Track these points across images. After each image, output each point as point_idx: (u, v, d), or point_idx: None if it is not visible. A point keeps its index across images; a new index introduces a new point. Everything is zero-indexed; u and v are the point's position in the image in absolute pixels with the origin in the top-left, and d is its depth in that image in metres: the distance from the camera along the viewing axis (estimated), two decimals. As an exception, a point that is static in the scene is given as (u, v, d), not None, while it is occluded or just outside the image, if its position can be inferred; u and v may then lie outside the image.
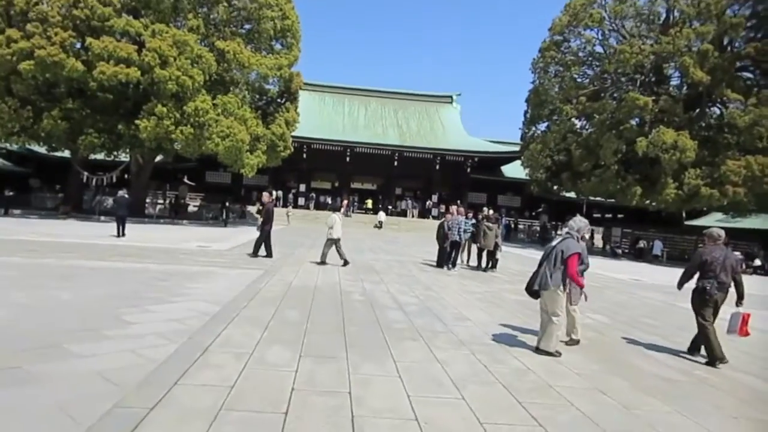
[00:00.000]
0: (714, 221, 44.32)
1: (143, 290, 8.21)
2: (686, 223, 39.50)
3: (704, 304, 6.69)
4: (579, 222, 6.63)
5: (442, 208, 47.60)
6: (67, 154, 33.14)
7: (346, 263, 13.62)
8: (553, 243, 6.42)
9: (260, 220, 15.18)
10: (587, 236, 6.71)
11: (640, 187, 30.53)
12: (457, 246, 15.41)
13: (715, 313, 6.77)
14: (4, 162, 44.37)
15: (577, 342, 6.79)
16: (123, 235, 18.88)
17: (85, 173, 31.19)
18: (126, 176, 35.08)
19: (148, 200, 41.72)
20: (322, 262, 13.73)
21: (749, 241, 34.53)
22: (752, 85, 31.15)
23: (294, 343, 5.64)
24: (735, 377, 6.06)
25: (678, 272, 7.47)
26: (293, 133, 35.39)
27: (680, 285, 7.17)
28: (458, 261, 15.79)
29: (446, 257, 15.40)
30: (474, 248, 17.09)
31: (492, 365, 5.46)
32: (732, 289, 6.76)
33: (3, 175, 39.96)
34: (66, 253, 12.34)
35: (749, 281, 8.94)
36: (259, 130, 29.68)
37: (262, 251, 14.43)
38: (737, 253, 19.36)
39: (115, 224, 19.19)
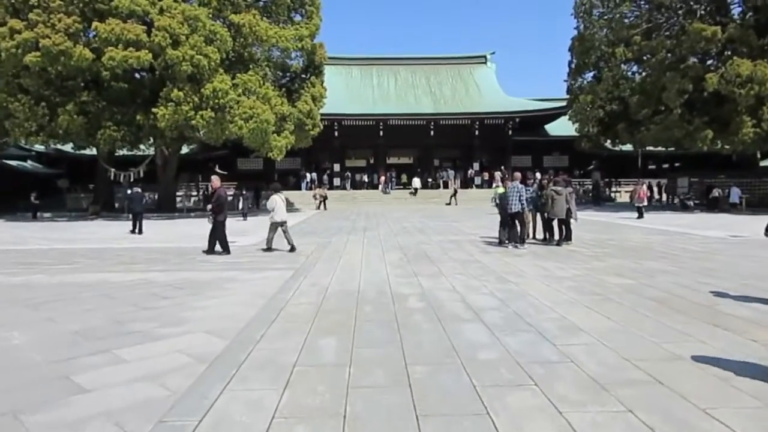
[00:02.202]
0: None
1: (131, 318, 6.13)
2: (762, 164, 35.54)
3: None
4: None
5: (485, 175, 44.85)
6: (95, 151, 31.95)
7: (292, 249, 12.34)
8: None
9: (209, 209, 12.52)
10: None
11: (711, 130, 27.15)
12: (519, 218, 12.86)
13: None
14: (35, 164, 43.85)
15: None
16: (140, 232, 17.50)
17: (112, 170, 29.86)
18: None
19: (180, 193, 40.62)
20: (269, 249, 12.47)
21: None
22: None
23: (330, 421, 3.40)
24: None
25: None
26: (322, 111, 33.18)
27: None
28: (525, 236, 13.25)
29: (510, 233, 12.98)
30: (538, 219, 14.61)
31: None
32: None
33: (33, 177, 39.30)
34: (66, 265, 10.50)
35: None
36: (284, 108, 27.52)
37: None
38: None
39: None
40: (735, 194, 28.37)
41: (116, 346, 5.04)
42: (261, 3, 29.71)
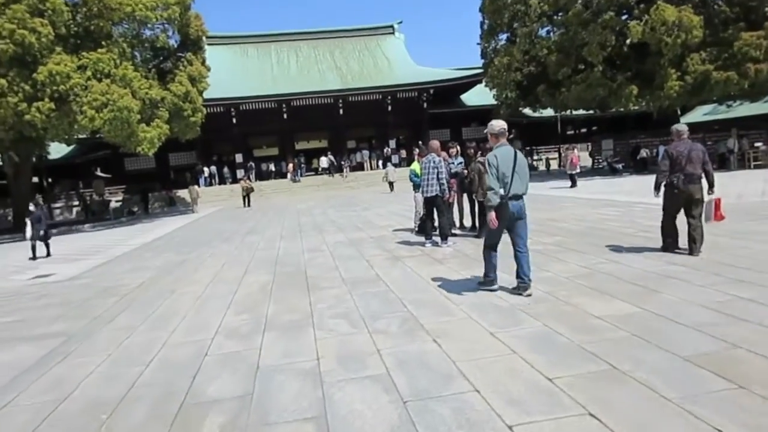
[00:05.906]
0: (702, 115, 39.83)
1: None
2: (684, 121, 34.41)
3: (674, 198, 6.65)
4: None
5: (403, 153, 41.64)
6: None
7: None
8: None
9: None
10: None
11: (635, 86, 25.09)
12: (436, 204, 9.31)
13: (694, 206, 6.54)
14: None
15: None
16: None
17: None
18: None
19: (59, 204, 35.05)
20: None
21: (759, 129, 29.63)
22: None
23: None
24: None
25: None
26: (217, 95, 28.45)
27: (657, 187, 6.85)
28: (447, 226, 9.72)
29: (428, 223, 9.52)
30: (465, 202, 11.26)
31: None
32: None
33: None
34: None
35: None
36: (153, 92, 22.68)
37: None
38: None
39: None
40: (664, 153, 26.62)
41: None
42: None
